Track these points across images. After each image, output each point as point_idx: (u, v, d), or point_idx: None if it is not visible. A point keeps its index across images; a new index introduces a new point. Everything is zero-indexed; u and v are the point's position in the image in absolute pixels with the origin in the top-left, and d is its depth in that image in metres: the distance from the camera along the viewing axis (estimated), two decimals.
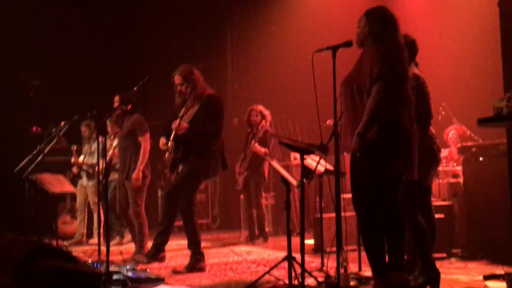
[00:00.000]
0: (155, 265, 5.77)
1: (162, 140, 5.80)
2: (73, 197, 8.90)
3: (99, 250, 5.56)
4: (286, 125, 9.94)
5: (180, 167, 5.66)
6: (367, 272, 4.64)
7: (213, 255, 6.70)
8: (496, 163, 5.66)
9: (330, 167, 5.27)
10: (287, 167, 8.56)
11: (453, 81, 8.50)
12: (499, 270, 4.87)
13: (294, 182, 4.75)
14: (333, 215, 4.38)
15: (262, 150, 7.92)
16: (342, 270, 4.32)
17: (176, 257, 6.52)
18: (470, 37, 8.45)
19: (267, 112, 8.13)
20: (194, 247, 5.63)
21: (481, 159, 5.88)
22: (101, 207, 7.10)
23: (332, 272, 4.76)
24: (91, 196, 8.53)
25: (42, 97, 10.10)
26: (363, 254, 4.29)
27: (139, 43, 10.80)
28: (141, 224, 6.60)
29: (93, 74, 10.17)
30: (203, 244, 5.81)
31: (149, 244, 6.11)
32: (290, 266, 4.44)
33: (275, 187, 9.39)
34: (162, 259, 5.93)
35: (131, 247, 7.10)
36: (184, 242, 5.83)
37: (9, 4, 9.65)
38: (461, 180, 6.32)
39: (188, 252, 5.71)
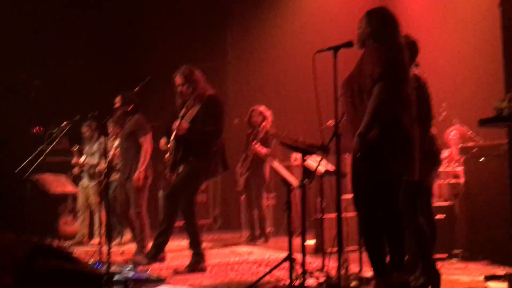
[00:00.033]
0: (156, 265, 5.78)
1: (163, 141, 5.80)
2: (74, 197, 8.90)
3: (100, 250, 5.57)
4: (287, 126, 9.92)
5: (181, 168, 5.67)
6: (368, 272, 4.64)
7: (214, 256, 6.70)
8: (497, 163, 5.66)
9: (331, 167, 5.27)
10: (288, 168, 8.54)
11: (454, 82, 8.48)
12: (500, 271, 4.88)
13: (295, 182, 4.75)
14: (334, 215, 4.38)
15: (263, 150, 7.93)
16: (343, 271, 4.32)
17: (177, 257, 6.52)
18: (471, 38, 8.44)
19: (268, 113, 8.13)
20: (195, 247, 5.63)
21: (482, 159, 5.88)
22: (102, 207, 7.09)
23: (333, 273, 4.76)
24: (93, 197, 8.53)
25: (43, 98, 10.10)
26: (364, 255, 4.29)
27: (140, 44, 10.80)
28: (142, 225, 6.61)
29: (95, 75, 10.17)
30: (204, 244, 5.81)
31: (150, 245, 6.11)
32: (291, 267, 4.44)
33: (276, 187, 9.39)
34: (162, 260, 5.93)
35: (132, 247, 7.10)
36: (185, 242, 5.84)
37: (10, 4, 9.65)
38: (462, 180, 6.32)
39: (189, 253, 5.71)
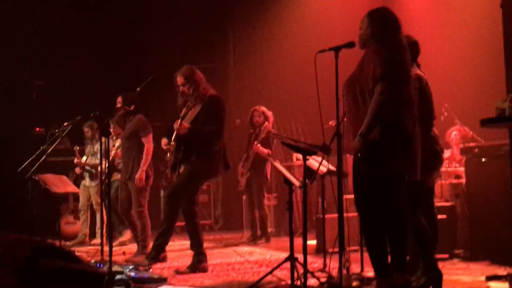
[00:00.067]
0: (158, 265, 5.78)
1: (164, 141, 5.81)
2: (75, 197, 8.91)
3: (101, 250, 5.57)
4: (289, 126, 9.94)
5: (182, 168, 5.67)
6: (369, 272, 4.64)
7: (216, 256, 6.70)
8: (498, 164, 5.65)
9: (332, 167, 5.28)
10: (289, 168, 8.55)
11: (455, 82, 8.49)
12: (502, 271, 4.88)
13: (296, 182, 4.76)
14: (336, 215, 4.38)
15: (265, 151, 7.93)
16: (344, 271, 4.32)
17: (178, 257, 6.53)
18: (472, 38, 8.44)
19: (269, 113, 8.13)
20: (197, 247, 5.63)
21: (483, 160, 5.88)
22: (103, 207, 7.10)
23: (335, 273, 4.75)
24: (94, 197, 8.53)
25: (45, 98, 10.12)
26: (366, 255, 4.29)
27: (142, 44, 10.81)
28: (144, 225, 6.61)
29: (96, 75, 10.19)
30: (205, 244, 5.81)
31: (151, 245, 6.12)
32: (293, 267, 4.45)
33: (277, 187, 9.39)
34: (164, 259, 5.93)
35: (133, 247, 7.11)
36: (187, 242, 5.84)
37: (10, 4, 9.66)
38: (463, 181, 6.32)
39: (190, 253, 5.71)
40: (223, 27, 11.59)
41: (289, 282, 4.51)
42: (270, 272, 4.65)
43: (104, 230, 6.37)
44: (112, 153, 7.45)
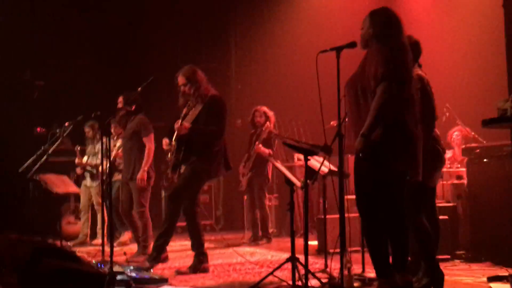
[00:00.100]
0: (159, 265, 5.77)
1: (165, 141, 5.80)
2: (77, 197, 8.91)
3: (102, 250, 5.56)
4: (290, 126, 9.92)
5: (183, 168, 5.66)
6: (371, 273, 4.63)
7: (217, 256, 6.70)
8: (500, 164, 5.65)
9: (334, 168, 5.27)
10: (290, 168, 8.54)
11: (457, 82, 8.48)
12: (503, 272, 4.87)
13: (297, 183, 4.75)
14: (337, 216, 4.37)
15: (266, 151, 7.92)
16: (345, 271, 4.31)
17: (179, 257, 6.52)
18: (474, 38, 8.44)
19: (271, 113, 8.12)
20: (198, 248, 5.63)
21: (485, 160, 5.87)
22: (104, 207, 7.10)
23: (336, 273, 4.75)
24: (95, 197, 8.53)
25: (46, 98, 10.11)
26: (367, 255, 4.28)
27: (143, 44, 10.81)
28: (145, 225, 6.61)
29: (97, 75, 10.18)
30: (206, 245, 5.80)
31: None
32: (294, 267, 4.44)
33: (278, 188, 9.38)
34: (165, 259, 5.92)
35: (134, 247, 7.10)
36: (188, 243, 5.83)
37: (11, 4, 9.67)
38: (465, 181, 6.31)
39: (191, 253, 5.71)
40: (224, 27, 11.59)
41: (290, 282, 4.51)
42: (271, 273, 4.64)
43: (105, 231, 6.36)
44: (113, 153, 7.45)
